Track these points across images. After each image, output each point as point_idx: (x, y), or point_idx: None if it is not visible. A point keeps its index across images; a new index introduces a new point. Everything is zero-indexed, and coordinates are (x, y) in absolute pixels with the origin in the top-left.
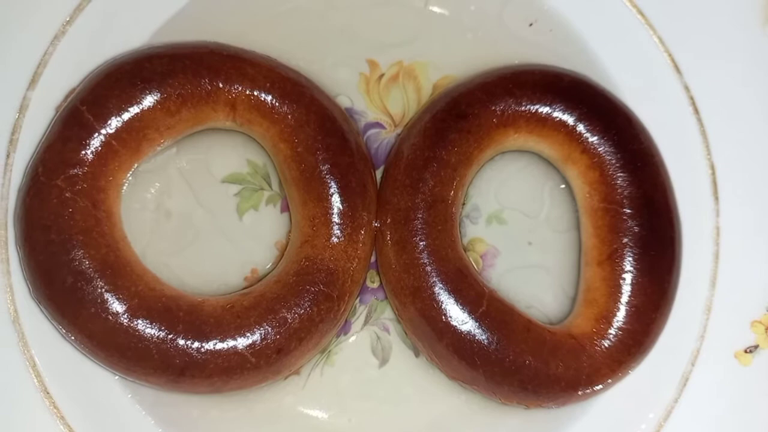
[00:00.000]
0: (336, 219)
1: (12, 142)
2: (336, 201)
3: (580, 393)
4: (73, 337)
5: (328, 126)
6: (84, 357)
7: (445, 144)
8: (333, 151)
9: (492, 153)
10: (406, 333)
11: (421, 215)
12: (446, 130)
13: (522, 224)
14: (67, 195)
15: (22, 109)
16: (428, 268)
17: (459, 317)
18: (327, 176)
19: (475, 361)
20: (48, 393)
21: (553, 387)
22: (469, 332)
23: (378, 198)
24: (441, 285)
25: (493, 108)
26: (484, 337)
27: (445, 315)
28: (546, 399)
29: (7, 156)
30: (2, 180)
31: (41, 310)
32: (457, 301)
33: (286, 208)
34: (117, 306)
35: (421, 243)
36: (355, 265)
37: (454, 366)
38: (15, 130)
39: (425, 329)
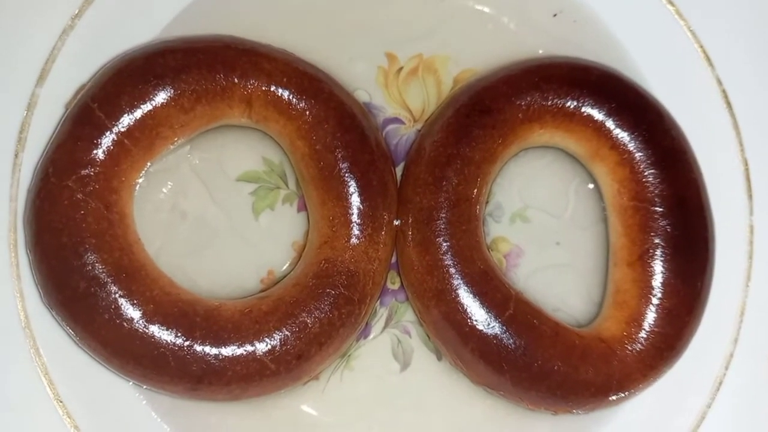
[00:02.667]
0: (356, 219)
1: (20, 140)
2: (356, 200)
3: (610, 398)
4: (86, 344)
5: (347, 123)
6: (97, 364)
7: (469, 140)
8: (352, 149)
9: (516, 149)
10: (428, 336)
11: (444, 215)
12: (470, 126)
13: (547, 223)
14: (78, 197)
15: (31, 106)
16: (452, 270)
17: (485, 321)
18: (346, 175)
19: (501, 366)
20: (61, 401)
21: (583, 392)
22: (495, 336)
23: (399, 196)
24: (466, 287)
25: (519, 102)
26: (511, 341)
27: (470, 318)
28: (575, 405)
29: (16, 156)
30: (11, 181)
31: (53, 316)
32: (482, 304)
33: (303, 207)
34: (132, 312)
35: (445, 244)
36: (375, 266)
37: (480, 371)
38: (23, 128)
39: (449, 333)
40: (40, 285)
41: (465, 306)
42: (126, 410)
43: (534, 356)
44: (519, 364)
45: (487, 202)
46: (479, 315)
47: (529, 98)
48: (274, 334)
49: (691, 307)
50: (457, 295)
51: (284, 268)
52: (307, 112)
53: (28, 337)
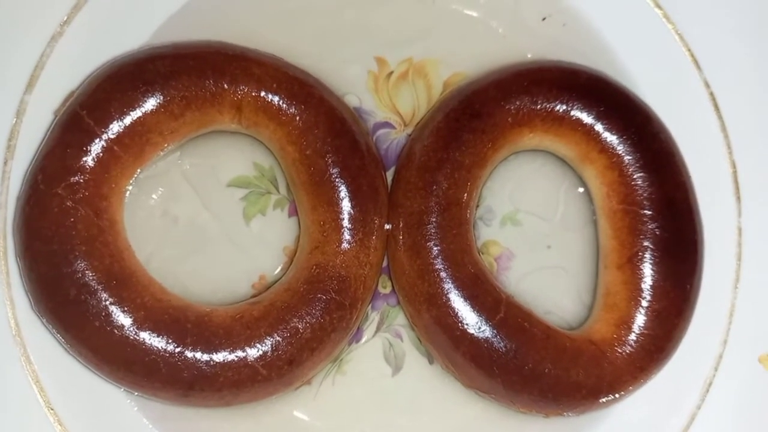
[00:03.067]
0: (347, 224)
1: (9, 148)
2: (346, 206)
3: (601, 401)
4: (77, 352)
5: (337, 127)
6: (88, 371)
7: (459, 144)
8: (343, 154)
9: (507, 153)
10: (420, 340)
11: (434, 219)
12: (460, 130)
13: (537, 226)
14: (68, 204)
15: (19, 113)
16: (443, 274)
17: (476, 324)
18: (337, 180)
19: (493, 369)
20: (52, 408)
21: (574, 395)
22: (486, 340)
23: (389, 200)
24: (457, 291)
25: (508, 107)
26: (502, 345)
27: (461, 323)
28: (566, 407)
29: (5, 163)
30: (0, 188)
31: (43, 323)
32: (473, 308)
33: (294, 212)
34: (122, 319)
35: (435, 248)
36: (367, 271)
37: (472, 375)
38: (12, 135)
39: (441, 337)
40: (30, 292)
41: (456, 310)
42: (117, 417)
43: (525, 359)
44: (510, 367)
45: (477, 206)
46: (470, 319)
47: (518, 102)
48: (266, 340)
49: (681, 309)
50: (448, 299)
51: (276, 272)
52: (297, 118)
53: (19, 344)
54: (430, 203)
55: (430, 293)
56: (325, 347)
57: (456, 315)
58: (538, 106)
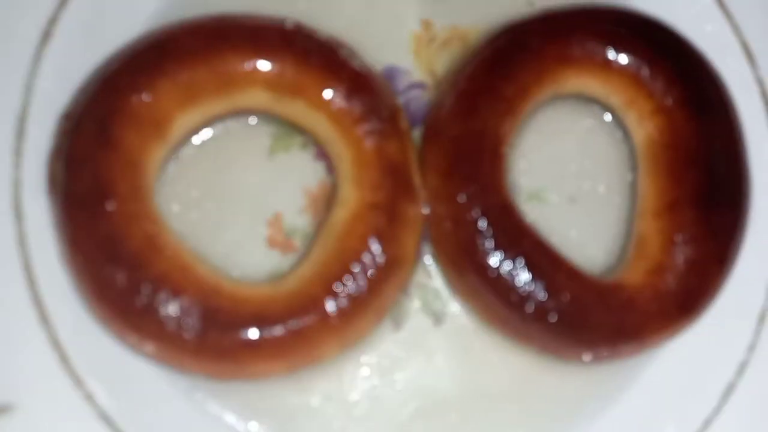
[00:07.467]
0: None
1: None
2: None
3: (622, 346)
4: (138, 347)
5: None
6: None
7: (503, 75)
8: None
9: (549, 93)
10: (439, 267)
11: (469, 144)
12: (505, 60)
13: (565, 176)
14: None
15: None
16: (471, 199)
17: (498, 252)
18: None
19: (509, 298)
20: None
21: (592, 335)
22: (507, 268)
23: (426, 128)
24: (482, 217)
25: (558, 43)
26: (523, 274)
27: (483, 248)
28: (584, 348)
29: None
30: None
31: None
32: (497, 235)
33: (321, 156)
34: (172, 310)
35: (465, 171)
36: (411, 247)
37: (489, 304)
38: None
39: (461, 262)
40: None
41: (478, 235)
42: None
43: (544, 292)
44: (528, 297)
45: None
46: (492, 245)
47: (569, 40)
48: (321, 303)
49: (719, 261)
50: (473, 226)
51: (293, 213)
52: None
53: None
54: (466, 128)
55: (456, 218)
56: (380, 306)
57: (478, 240)
58: (588, 46)
